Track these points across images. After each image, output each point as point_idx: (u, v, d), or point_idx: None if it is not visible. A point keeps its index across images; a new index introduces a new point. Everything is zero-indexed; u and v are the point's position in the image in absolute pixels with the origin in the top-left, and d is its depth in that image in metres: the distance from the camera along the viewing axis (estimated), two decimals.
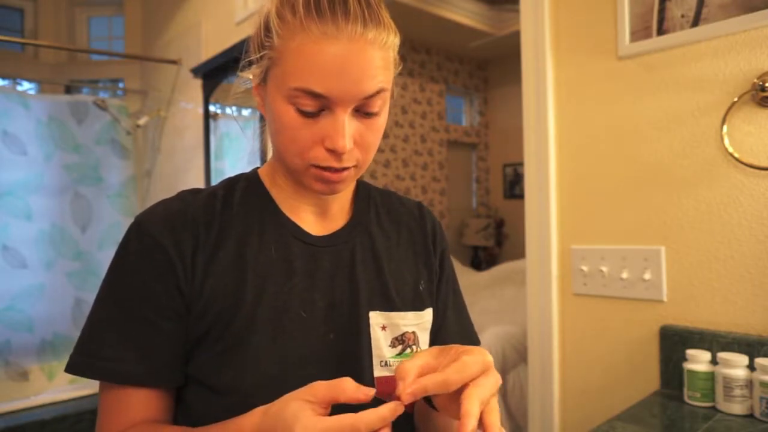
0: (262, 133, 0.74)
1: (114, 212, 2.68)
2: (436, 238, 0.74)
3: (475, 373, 0.45)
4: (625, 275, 1.10)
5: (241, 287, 0.58)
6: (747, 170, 0.94)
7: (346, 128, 0.54)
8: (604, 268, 1.13)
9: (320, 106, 0.54)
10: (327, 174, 0.57)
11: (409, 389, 0.43)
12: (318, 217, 0.66)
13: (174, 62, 2.63)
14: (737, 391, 0.85)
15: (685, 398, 0.93)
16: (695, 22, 1.00)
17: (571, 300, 1.20)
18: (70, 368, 0.57)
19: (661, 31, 1.05)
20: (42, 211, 2.51)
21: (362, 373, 0.60)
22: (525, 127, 1.27)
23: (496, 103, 5.47)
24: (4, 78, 3.24)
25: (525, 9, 1.27)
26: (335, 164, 0.56)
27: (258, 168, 0.69)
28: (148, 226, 0.58)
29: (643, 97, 1.08)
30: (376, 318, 0.62)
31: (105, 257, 2.67)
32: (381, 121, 0.58)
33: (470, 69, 5.35)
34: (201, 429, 0.53)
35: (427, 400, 0.56)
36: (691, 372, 0.91)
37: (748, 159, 0.94)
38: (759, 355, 0.89)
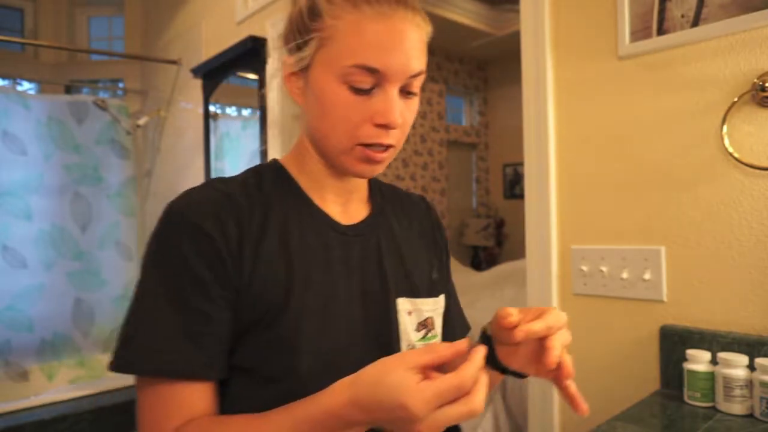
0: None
1: (114, 212, 2.68)
2: (441, 231, 0.79)
3: (564, 323, 0.54)
4: (625, 275, 1.10)
5: (289, 275, 0.58)
6: (747, 170, 0.94)
7: (397, 103, 0.57)
8: (604, 268, 1.13)
9: (374, 83, 0.57)
10: (372, 153, 0.59)
11: (524, 327, 0.51)
12: (342, 207, 0.68)
13: (174, 62, 2.63)
14: (737, 391, 0.85)
15: (685, 398, 0.93)
16: (695, 22, 1.00)
17: (571, 300, 1.20)
18: (119, 365, 0.55)
19: (661, 31, 1.05)
20: (42, 211, 2.51)
21: None
22: (525, 127, 1.27)
23: (496, 103, 5.47)
24: (4, 78, 3.24)
25: (525, 9, 1.27)
26: (383, 140, 0.58)
27: (275, 159, 0.69)
28: (191, 215, 0.57)
29: (643, 97, 1.08)
30: (403, 304, 0.65)
31: (105, 257, 2.67)
32: (417, 103, 0.62)
33: (470, 69, 5.35)
34: (273, 412, 0.52)
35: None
36: (691, 372, 0.91)
37: (748, 159, 0.94)
38: (759, 355, 0.89)
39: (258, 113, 1.98)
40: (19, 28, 3.49)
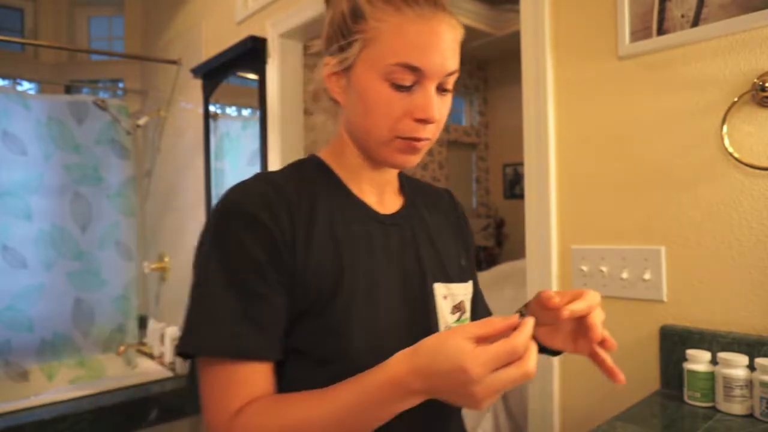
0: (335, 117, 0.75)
1: (114, 212, 2.67)
2: (466, 221, 0.85)
3: (599, 302, 0.60)
4: (625, 275, 1.10)
5: (338, 263, 0.62)
6: (747, 170, 0.94)
7: (435, 100, 0.62)
8: (604, 268, 1.13)
9: (414, 80, 0.61)
10: (411, 142, 0.63)
11: (566, 311, 0.56)
12: (378, 198, 0.72)
13: (174, 62, 2.63)
14: (737, 391, 0.85)
15: (685, 398, 0.93)
16: (695, 22, 1.00)
17: None
18: (185, 348, 0.59)
19: (661, 31, 1.05)
20: (42, 211, 2.51)
21: None
22: (525, 127, 1.27)
23: (496, 103, 5.47)
24: (4, 78, 3.24)
25: (525, 9, 1.27)
26: (421, 134, 0.63)
27: (314, 154, 0.73)
28: (246, 206, 0.60)
29: (643, 97, 1.08)
30: (439, 289, 0.70)
31: (105, 257, 2.67)
32: (450, 99, 0.67)
33: (470, 69, 5.35)
34: (334, 387, 0.55)
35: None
36: (691, 372, 0.91)
37: (748, 159, 0.94)
38: (759, 355, 0.89)
39: (258, 113, 1.98)
40: (19, 28, 3.48)
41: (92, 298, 2.64)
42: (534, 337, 0.64)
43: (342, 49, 0.64)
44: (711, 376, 0.89)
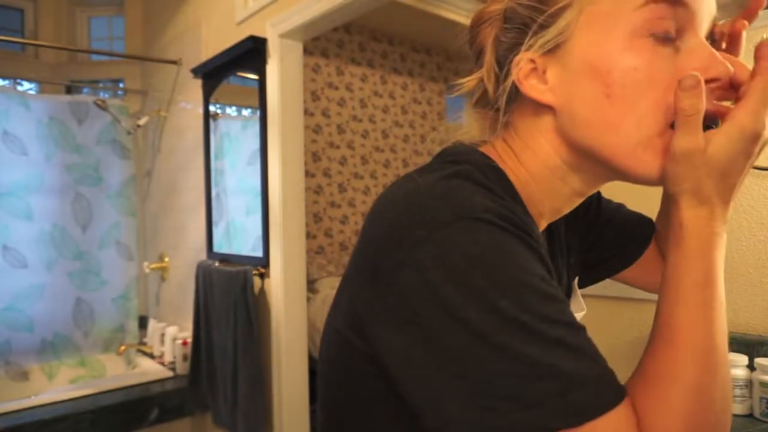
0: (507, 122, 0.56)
1: (114, 212, 2.68)
2: (566, 225, 0.65)
3: None
4: None
5: None
6: None
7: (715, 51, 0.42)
8: None
9: (677, 27, 0.42)
10: None
11: None
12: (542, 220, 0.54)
13: (174, 62, 2.64)
14: (737, 391, 0.85)
15: None
16: None
17: None
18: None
19: None
20: (42, 211, 2.52)
21: None
22: None
23: None
24: (4, 78, 3.25)
25: None
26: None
27: (500, 171, 0.48)
28: (516, 225, 0.41)
29: None
30: None
31: (105, 257, 2.67)
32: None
33: (471, 67, 5.35)
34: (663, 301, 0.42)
35: None
36: None
37: None
38: (759, 355, 0.89)
39: (258, 113, 1.98)
40: (19, 28, 3.49)
41: (92, 298, 2.64)
42: None
43: (543, 26, 0.45)
44: None
